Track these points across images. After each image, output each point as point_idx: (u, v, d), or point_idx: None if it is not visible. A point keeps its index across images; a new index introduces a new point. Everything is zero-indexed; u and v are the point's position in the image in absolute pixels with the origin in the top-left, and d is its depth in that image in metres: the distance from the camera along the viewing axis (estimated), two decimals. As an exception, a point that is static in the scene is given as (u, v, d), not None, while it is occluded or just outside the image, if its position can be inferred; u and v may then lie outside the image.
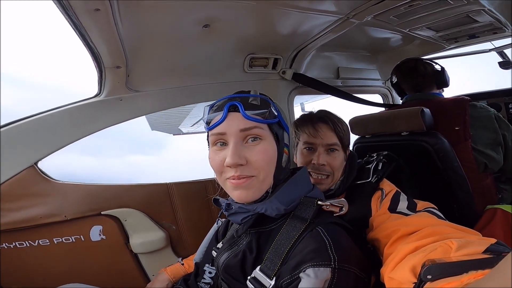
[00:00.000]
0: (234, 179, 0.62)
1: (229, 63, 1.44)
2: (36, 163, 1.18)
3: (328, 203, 0.63)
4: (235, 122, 0.63)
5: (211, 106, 0.69)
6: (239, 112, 0.63)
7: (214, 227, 1.00)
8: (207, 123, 0.67)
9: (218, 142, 0.65)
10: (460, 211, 1.21)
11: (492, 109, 1.33)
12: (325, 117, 1.00)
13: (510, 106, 1.94)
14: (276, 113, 0.66)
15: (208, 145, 0.70)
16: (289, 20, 1.18)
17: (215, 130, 0.65)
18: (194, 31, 1.08)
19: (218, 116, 0.64)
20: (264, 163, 0.63)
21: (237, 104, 0.63)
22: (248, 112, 0.62)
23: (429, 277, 0.41)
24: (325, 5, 1.10)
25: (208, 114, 0.68)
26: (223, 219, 0.93)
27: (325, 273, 0.52)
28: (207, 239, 1.04)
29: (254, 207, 0.65)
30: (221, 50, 1.32)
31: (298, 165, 1.02)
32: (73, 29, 0.85)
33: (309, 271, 0.52)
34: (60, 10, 0.76)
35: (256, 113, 0.63)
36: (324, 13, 1.16)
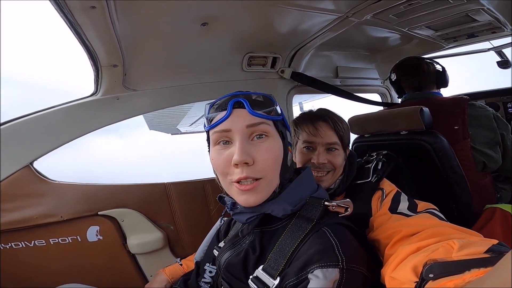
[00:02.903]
0: (240, 183, 0.60)
1: (228, 61, 1.43)
2: (31, 163, 1.16)
3: (335, 203, 0.62)
4: (241, 119, 0.61)
5: (212, 104, 0.67)
6: (245, 108, 0.62)
7: (216, 225, 0.99)
8: (209, 121, 0.65)
9: (221, 140, 0.63)
10: (459, 210, 1.22)
11: (491, 109, 1.33)
12: (325, 116, 0.99)
13: (508, 105, 1.95)
14: (280, 112, 0.66)
15: (208, 146, 0.68)
16: (288, 18, 1.17)
17: (219, 127, 0.62)
18: (192, 29, 1.07)
19: (221, 113, 0.63)
20: (271, 161, 0.61)
21: (242, 100, 0.62)
22: (254, 108, 0.62)
23: (431, 275, 0.40)
24: (324, 4, 1.10)
25: (209, 112, 0.66)
26: (225, 218, 0.92)
27: (334, 273, 0.51)
28: (208, 238, 1.03)
29: (260, 208, 0.64)
30: (219, 48, 1.31)
31: (297, 164, 1.02)
32: (69, 27, 0.84)
33: (317, 272, 0.51)
34: (55, 8, 0.75)
35: (262, 109, 0.63)
36: (323, 12, 1.15)
